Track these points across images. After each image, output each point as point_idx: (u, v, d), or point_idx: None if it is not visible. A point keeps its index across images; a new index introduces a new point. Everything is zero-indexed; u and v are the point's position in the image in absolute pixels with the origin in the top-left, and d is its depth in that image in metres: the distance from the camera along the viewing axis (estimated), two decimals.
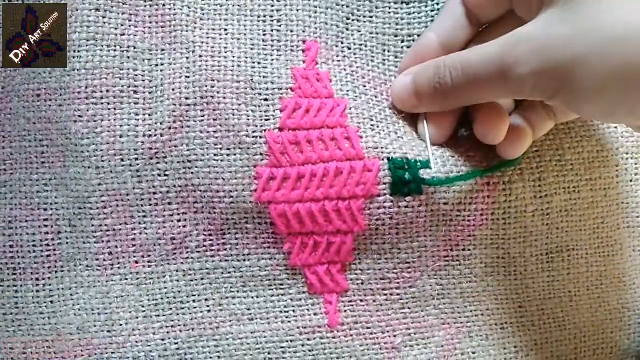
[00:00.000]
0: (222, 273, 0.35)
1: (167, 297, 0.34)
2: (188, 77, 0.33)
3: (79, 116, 0.33)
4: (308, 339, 0.35)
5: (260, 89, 0.34)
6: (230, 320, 0.35)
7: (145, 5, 0.34)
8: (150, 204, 0.34)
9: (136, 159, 0.33)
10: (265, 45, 0.35)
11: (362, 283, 0.35)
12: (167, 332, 0.34)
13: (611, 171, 0.36)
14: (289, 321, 0.35)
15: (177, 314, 0.34)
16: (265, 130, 0.33)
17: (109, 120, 0.33)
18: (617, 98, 0.26)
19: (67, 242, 0.34)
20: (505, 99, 0.34)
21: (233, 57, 0.34)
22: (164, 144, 0.33)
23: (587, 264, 0.36)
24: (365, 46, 0.36)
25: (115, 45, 0.34)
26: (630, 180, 0.36)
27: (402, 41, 0.36)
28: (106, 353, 0.34)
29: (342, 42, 0.36)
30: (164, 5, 0.34)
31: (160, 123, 0.33)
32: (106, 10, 0.34)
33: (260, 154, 0.33)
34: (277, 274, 0.35)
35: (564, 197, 0.35)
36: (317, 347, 0.35)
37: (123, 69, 0.34)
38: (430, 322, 0.36)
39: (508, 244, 0.35)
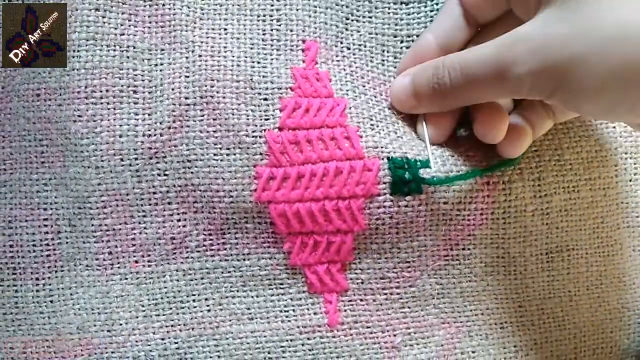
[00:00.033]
0: (222, 273, 0.35)
1: (167, 297, 0.34)
2: (188, 77, 0.34)
3: (79, 116, 0.33)
4: (308, 339, 0.35)
5: (260, 88, 0.34)
6: (230, 320, 0.35)
7: (145, 5, 0.34)
8: (150, 204, 0.34)
9: (136, 158, 0.33)
10: (265, 45, 0.35)
11: (362, 282, 0.35)
12: (167, 332, 0.34)
13: (610, 171, 0.36)
14: (289, 321, 0.35)
15: (177, 314, 0.34)
16: (265, 130, 0.33)
17: (108, 120, 0.33)
18: (617, 97, 0.26)
19: (67, 242, 0.34)
20: (504, 98, 0.34)
21: (233, 56, 0.34)
22: (164, 143, 0.33)
23: (587, 264, 0.36)
24: (365, 46, 0.36)
25: (115, 45, 0.34)
26: (630, 180, 0.36)
27: (402, 42, 0.37)
28: (106, 353, 0.34)
29: (341, 42, 0.36)
30: (163, 5, 0.34)
31: (160, 123, 0.33)
32: (106, 10, 0.34)
33: (260, 153, 0.33)
34: (277, 273, 0.35)
35: (564, 196, 0.35)
36: (317, 346, 0.35)
37: (123, 69, 0.34)
38: (430, 322, 0.36)
39: (508, 243, 0.35)
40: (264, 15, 0.35)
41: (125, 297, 0.34)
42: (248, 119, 0.33)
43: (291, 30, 0.35)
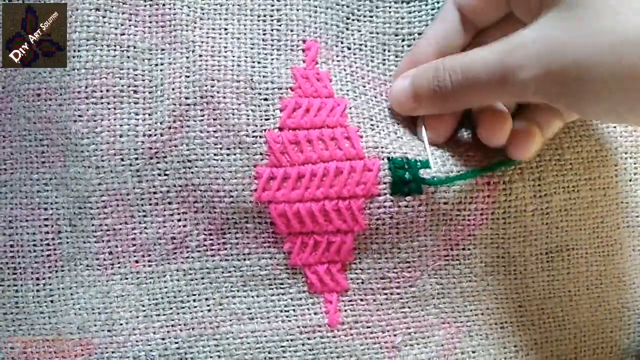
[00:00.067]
0: (223, 272, 0.35)
1: (168, 297, 0.35)
2: (188, 76, 0.34)
3: (79, 116, 0.33)
4: (308, 339, 0.35)
5: (260, 88, 0.34)
6: (230, 320, 0.35)
7: (145, 5, 0.35)
8: (150, 204, 0.34)
9: (136, 158, 0.33)
10: (266, 45, 0.35)
11: (362, 282, 0.35)
12: (168, 332, 0.34)
13: (610, 171, 0.36)
14: (289, 320, 0.35)
15: (178, 314, 0.35)
16: (265, 130, 0.33)
17: (109, 120, 0.33)
18: (619, 97, 0.26)
19: (67, 242, 0.34)
20: (507, 102, 0.34)
21: (233, 56, 0.34)
22: (164, 143, 0.34)
23: (587, 264, 0.37)
24: (366, 46, 0.36)
25: (115, 45, 0.34)
26: (630, 180, 0.37)
27: (403, 40, 0.37)
28: (106, 353, 0.34)
29: (342, 42, 0.36)
30: (164, 5, 0.35)
31: (161, 123, 0.33)
32: (106, 10, 0.34)
33: (261, 153, 0.33)
34: (277, 273, 0.35)
35: (564, 196, 0.35)
36: (317, 346, 0.35)
37: (123, 69, 0.34)
38: (431, 322, 0.36)
39: (508, 243, 0.36)
40: (265, 15, 0.36)
41: (126, 297, 0.34)
42: (248, 119, 0.34)
43: (291, 30, 0.35)
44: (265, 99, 0.34)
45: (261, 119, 0.34)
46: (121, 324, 0.34)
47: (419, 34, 0.36)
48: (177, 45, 0.34)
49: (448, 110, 0.33)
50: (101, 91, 0.33)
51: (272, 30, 0.35)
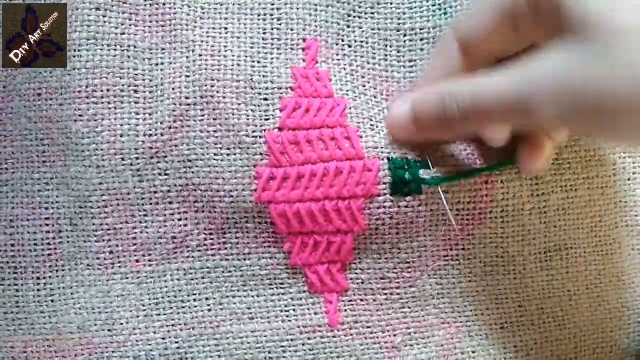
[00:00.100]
0: (223, 272, 0.35)
1: (168, 296, 0.35)
2: (188, 76, 0.34)
3: (80, 115, 0.34)
4: (308, 338, 0.35)
5: (260, 88, 0.35)
6: (230, 320, 0.35)
7: (145, 4, 0.35)
8: (151, 203, 0.34)
9: (137, 158, 0.34)
10: (265, 44, 0.36)
11: (362, 282, 0.36)
12: (168, 331, 0.35)
13: (608, 170, 0.36)
14: (289, 320, 0.35)
15: (178, 313, 0.35)
16: (265, 130, 0.34)
17: (109, 119, 0.34)
18: None
19: (68, 241, 0.35)
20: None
21: (233, 56, 0.35)
22: (165, 143, 0.34)
23: (586, 263, 0.37)
24: (367, 43, 0.37)
25: (115, 45, 0.34)
26: (628, 179, 0.37)
27: (405, 35, 0.37)
28: (107, 352, 0.34)
29: (342, 40, 0.36)
30: (164, 4, 0.35)
31: (161, 122, 0.34)
32: (106, 9, 0.34)
33: (260, 153, 0.34)
34: (277, 273, 0.35)
35: (561, 195, 0.36)
36: (317, 346, 0.35)
37: (124, 68, 0.34)
38: (430, 322, 0.36)
39: (507, 242, 0.36)
40: (264, 15, 0.36)
41: (126, 297, 0.35)
42: (248, 119, 0.34)
43: (291, 29, 0.36)
44: (265, 99, 0.34)
45: (261, 119, 0.34)
46: (121, 324, 0.35)
47: (421, 29, 0.36)
48: (177, 45, 0.35)
49: (451, 136, 0.33)
50: (102, 91, 0.34)
51: (272, 29, 0.36)
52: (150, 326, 0.35)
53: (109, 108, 0.34)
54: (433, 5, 0.37)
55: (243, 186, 0.34)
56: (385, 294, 0.36)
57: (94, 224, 0.34)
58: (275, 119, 0.34)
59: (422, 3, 0.37)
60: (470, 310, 0.36)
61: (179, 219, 0.35)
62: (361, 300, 0.36)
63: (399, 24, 0.37)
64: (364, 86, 0.36)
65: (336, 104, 0.35)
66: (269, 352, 0.35)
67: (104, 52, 0.34)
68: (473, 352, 0.36)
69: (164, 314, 0.35)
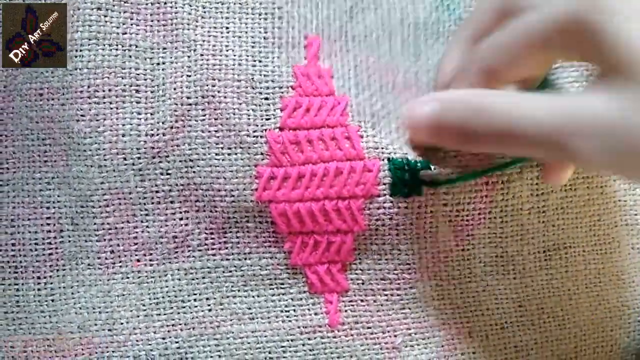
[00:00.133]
0: (224, 272, 0.36)
1: (169, 296, 0.36)
2: (190, 76, 0.35)
3: (82, 115, 0.34)
4: (309, 339, 0.36)
5: (261, 87, 0.35)
6: (231, 320, 0.36)
7: (147, 4, 0.35)
8: (152, 203, 0.35)
9: (139, 158, 0.34)
10: (267, 43, 0.36)
11: (362, 283, 0.36)
12: (168, 331, 0.35)
13: None
14: (289, 321, 0.36)
15: (179, 313, 0.35)
16: (266, 130, 0.34)
17: (111, 119, 0.34)
18: None
19: (69, 241, 0.35)
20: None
21: (234, 55, 0.35)
22: (167, 143, 0.35)
23: (585, 262, 0.37)
24: (371, 35, 0.37)
25: (117, 45, 0.35)
26: None
27: (409, 26, 0.37)
28: (107, 352, 0.35)
29: (345, 35, 0.37)
30: (165, 3, 0.35)
31: (163, 123, 0.35)
32: (108, 9, 0.35)
33: (261, 153, 0.34)
34: (278, 273, 0.36)
35: (560, 195, 0.36)
36: (317, 346, 0.36)
37: (125, 68, 0.35)
38: (431, 323, 0.36)
39: (506, 242, 0.36)
40: (266, 14, 0.37)
41: (127, 297, 0.35)
42: (249, 119, 0.35)
43: (293, 27, 0.36)
44: (266, 98, 0.35)
45: (262, 119, 0.35)
46: (122, 323, 0.35)
47: (424, 22, 0.37)
48: (179, 44, 0.35)
49: (469, 149, 0.32)
50: (103, 91, 0.34)
51: (273, 28, 0.36)
52: (150, 326, 0.35)
53: (111, 108, 0.34)
54: (436, 0, 0.37)
55: (244, 186, 0.34)
56: (386, 295, 0.36)
57: (95, 224, 0.35)
58: (276, 118, 0.35)
59: None
60: (471, 311, 0.37)
61: (181, 219, 0.35)
62: (362, 301, 0.36)
63: (402, 17, 0.37)
64: (368, 79, 0.37)
65: (337, 102, 0.35)
66: (270, 353, 0.35)
67: (105, 52, 0.34)
68: (474, 352, 0.37)
69: (165, 314, 0.35)
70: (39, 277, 0.35)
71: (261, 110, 0.35)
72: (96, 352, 0.35)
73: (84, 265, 0.35)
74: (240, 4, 0.36)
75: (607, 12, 0.24)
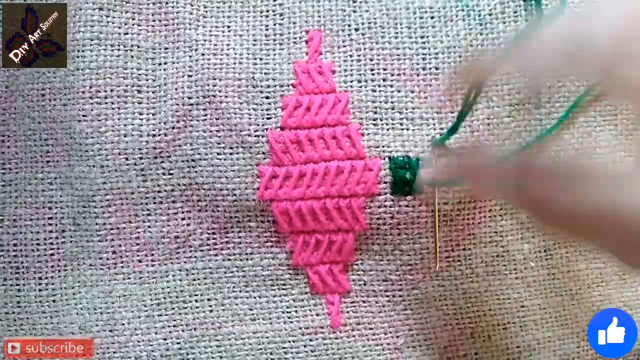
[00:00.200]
0: (225, 272, 0.37)
1: (170, 297, 0.36)
2: (191, 76, 0.36)
3: (84, 116, 0.35)
4: (310, 340, 0.36)
5: (262, 86, 0.36)
6: (232, 321, 0.36)
7: (148, 4, 0.36)
8: (154, 203, 0.36)
9: (141, 158, 0.35)
10: (268, 40, 0.37)
11: (364, 284, 0.37)
12: (170, 332, 0.36)
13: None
14: (291, 322, 0.37)
15: (180, 314, 0.36)
16: (267, 129, 0.35)
17: (113, 119, 0.35)
18: None
19: (71, 241, 0.36)
20: None
21: (235, 54, 0.36)
22: (168, 143, 0.35)
23: (587, 261, 0.38)
24: (375, 24, 0.37)
25: (119, 45, 0.36)
26: None
27: (415, 13, 0.37)
28: (108, 353, 0.36)
29: (349, 26, 0.37)
30: (167, 3, 0.36)
31: (164, 123, 0.35)
32: (109, 9, 0.36)
33: (263, 153, 0.35)
34: (279, 273, 0.37)
35: None
36: (319, 347, 0.36)
37: (127, 69, 0.36)
38: (433, 324, 0.37)
39: (506, 240, 0.37)
40: (267, 11, 0.37)
41: (128, 297, 0.36)
42: (250, 119, 0.35)
43: (294, 23, 0.37)
44: (267, 97, 0.36)
45: (263, 118, 0.35)
46: (123, 324, 0.36)
47: (430, 8, 0.37)
48: (180, 44, 0.36)
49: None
50: (105, 91, 0.35)
51: (274, 25, 0.37)
52: (152, 327, 0.36)
53: (113, 108, 0.35)
54: None
55: (246, 185, 0.35)
56: (388, 296, 0.37)
57: (97, 224, 0.36)
58: (277, 117, 0.36)
59: None
60: (473, 312, 0.37)
61: (182, 219, 0.36)
62: (363, 302, 0.37)
63: (407, 3, 0.37)
64: (372, 70, 0.36)
65: (338, 100, 0.36)
66: (271, 354, 0.36)
67: (107, 52, 0.35)
68: (476, 353, 0.37)
69: (166, 315, 0.36)
70: (40, 278, 0.36)
71: (262, 110, 0.36)
72: (97, 353, 0.36)
73: (86, 265, 0.36)
74: (241, 2, 0.37)
75: None
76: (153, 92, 0.36)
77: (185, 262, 0.36)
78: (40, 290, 0.36)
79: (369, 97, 0.36)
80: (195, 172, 0.35)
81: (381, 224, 0.36)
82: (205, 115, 0.35)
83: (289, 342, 0.36)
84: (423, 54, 0.37)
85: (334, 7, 0.37)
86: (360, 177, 0.35)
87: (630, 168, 0.24)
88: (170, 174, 0.36)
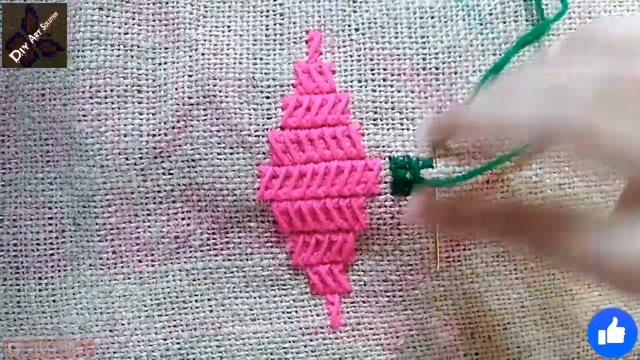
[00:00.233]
0: (225, 273, 0.37)
1: (170, 297, 0.37)
2: (191, 76, 0.36)
3: (84, 116, 0.35)
4: (311, 340, 0.37)
5: (262, 86, 0.36)
6: (232, 321, 0.37)
7: (148, 4, 0.37)
8: (154, 203, 0.36)
9: (141, 158, 0.36)
10: (268, 40, 0.37)
11: (364, 284, 0.37)
12: (170, 332, 0.36)
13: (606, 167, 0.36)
14: (291, 322, 0.37)
15: (180, 314, 0.37)
16: (267, 129, 0.36)
17: (113, 119, 0.36)
18: None
19: (71, 241, 0.36)
20: None
21: (235, 54, 0.36)
22: (168, 143, 0.36)
23: None
24: (375, 23, 0.37)
25: (119, 45, 0.36)
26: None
27: (415, 13, 0.37)
28: (108, 353, 0.36)
29: (349, 26, 0.37)
30: (167, 3, 0.37)
31: (164, 123, 0.36)
32: (109, 9, 0.36)
33: (263, 152, 0.35)
34: (279, 274, 0.37)
35: (559, 193, 0.37)
36: (319, 348, 0.37)
37: (127, 69, 0.36)
38: (433, 324, 0.37)
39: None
40: (267, 11, 0.37)
41: (128, 297, 0.36)
42: (250, 119, 0.36)
43: (294, 23, 0.37)
44: (267, 97, 0.36)
45: (263, 118, 0.36)
46: (123, 324, 0.36)
47: (430, 7, 0.37)
48: (181, 44, 0.36)
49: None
50: (105, 91, 0.36)
51: (274, 25, 0.37)
52: (152, 327, 0.36)
53: (113, 108, 0.36)
54: None
55: (246, 185, 0.35)
56: (388, 296, 0.37)
57: (97, 224, 0.36)
58: (277, 117, 0.36)
59: None
60: (474, 312, 0.37)
61: (182, 219, 0.36)
62: (364, 302, 0.37)
63: (407, 3, 0.37)
64: (372, 70, 0.37)
65: (338, 99, 0.36)
66: (271, 354, 0.36)
67: (107, 52, 0.36)
68: (476, 354, 0.37)
69: (166, 315, 0.37)
70: (40, 278, 0.36)
71: (262, 110, 0.36)
72: (97, 353, 0.36)
73: (86, 265, 0.36)
74: (241, 2, 0.37)
75: None
76: (153, 92, 0.36)
77: (185, 262, 0.37)
78: (40, 290, 0.36)
79: (369, 97, 0.36)
80: (196, 172, 0.36)
81: (381, 224, 0.36)
82: (206, 115, 0.36)
83: (289, 342, 0.37)
84: (423, 54, 0.37)
85: (334, 7, 0.37)
86: (361, 177, 0.35)
87: (610, 217, 0.25)
88: (170, 174, 0.36)
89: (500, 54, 0.36)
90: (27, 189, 0.36)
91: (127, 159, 0.36)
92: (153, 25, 0.37)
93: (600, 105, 0.21)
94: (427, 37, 0.37)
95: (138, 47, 0.36)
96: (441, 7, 0.37)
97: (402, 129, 0.36)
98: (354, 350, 0.37)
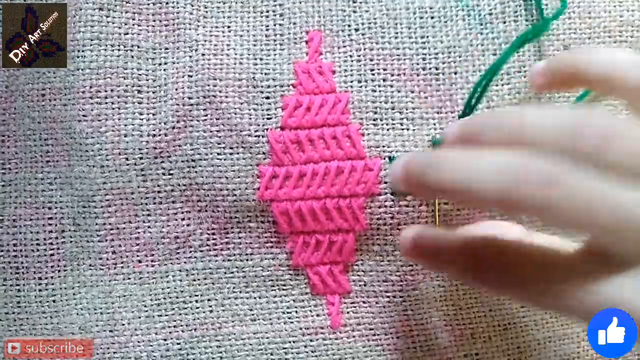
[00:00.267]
0: (225, 273, 0.37)
1: (170, 297, 0.37)
2: (191, 76, 0.36)
3: (84, 116, 0.36)
4: (311, 340, 0.37)
5: (262, 86, 0.36)
6: (232, 321, 0.37)
7: (148, 4, 0.37)
8: (154, 203, 0.36)
9: (141, 158, 0.36)
10: (268, 40, 0.37)
11: (364, 285, 0.37)
12: (170, 333, 0.37)
13: None
14: (291, 322, 0.37)
15: (180, 314, 0.37)
16: (267, 129, 0.36)
17: (113, 119, 0.36)
18: None
19: (71, 241, 0.37)
20: None
21: (235, 54, 0.37)
22: (169, 143, 0.36)
23: None
24: (375, 23, 0.37)
25: (119, 45, 0.36)
26: None
27: (415, 13, 0.37)
28: (108, 353, 0.36)
29: (349, 26, 0.37)
30: (167, 3, 0.37)
31: (165, 123, 0.36)
32: (110, 9, 0.36)
33: (263, 153, 0.36)
34: (280, 274, 0.37)
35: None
36: (319, 348, 0.37)
37: (127, 69, 0.36)
38: (434, 324, 0.37)
39: None
40: (267, 11, 0.38)
41: (128, 297, 0.37)
42: (250, 119, 0.36)
43: (294, 23, 0.37)
44: (267, 97, 0.36)
45: (263, 118, 0.36)
46: (123, 324, 0.36)
47: (430, 8, 0.37)
48: (181, 44, 0.37)
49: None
50: (105, 91, 0.36)
51: (274, 25, 0.37)
52: (152, 327, 0.37)
53: (113, 108, 0.36)
54: None
55: (246, 185, 0.36)
56: (388, 296, 0.37)
57: (97, 224, 0.36)
58: (277, 118, 0.36)
59: None
60: (474, 313, 0.38)
61: (182, 219, 0.37)
62: (364, 302, 0.37)
63: (407, 3, 0.38)
64: (372, 71, 0.37)
65: (338, 100, 0.36)
66: (271, 354, 0.37)
67: (107, 52, 0.36)
68: (476, 354, 0.37)
69: (166, 315, 0.37)
70: (40, 278, 0.37)
71: (262, 110, 0.36)
72: (97, 353, 0.36)
73: (86, 266, 0.37)
74: (242, 2, 0.38)
75: None
76: (153, 92, 0.36)
77: (185, 262, 0.37)
78: (40, 290, 0.36)
79: (369, 97, 0.37)
80: (195, 172, 0.36)
81: (381, 224, 0.36)
82: (206, 115, 0.36)
83: (289, 342, 0.37)
84: (423, 54, 0.37)
85: (334, 7, 0.38)
86: (361, 177, 0.35)
87: (571, 258, 0.25)
88: (170, 174, 0.36)
89: (500, 54, 0.37)
90: (27, 189, 0.37)
91: (127, 159, 0.36)
92: (153, 26, 0.37)
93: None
94: (427, 37, 0.37)
95: (138, 47, 0.37)
96: (441, 7, 0.37)
97: (402, 129, 0.36)
98: (354, 350, 0.37)
